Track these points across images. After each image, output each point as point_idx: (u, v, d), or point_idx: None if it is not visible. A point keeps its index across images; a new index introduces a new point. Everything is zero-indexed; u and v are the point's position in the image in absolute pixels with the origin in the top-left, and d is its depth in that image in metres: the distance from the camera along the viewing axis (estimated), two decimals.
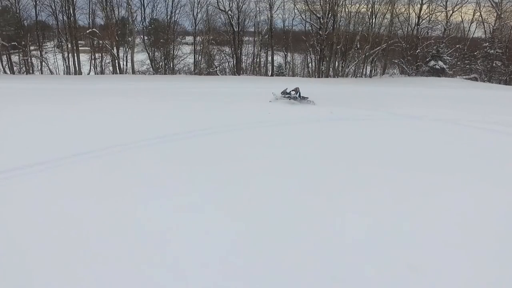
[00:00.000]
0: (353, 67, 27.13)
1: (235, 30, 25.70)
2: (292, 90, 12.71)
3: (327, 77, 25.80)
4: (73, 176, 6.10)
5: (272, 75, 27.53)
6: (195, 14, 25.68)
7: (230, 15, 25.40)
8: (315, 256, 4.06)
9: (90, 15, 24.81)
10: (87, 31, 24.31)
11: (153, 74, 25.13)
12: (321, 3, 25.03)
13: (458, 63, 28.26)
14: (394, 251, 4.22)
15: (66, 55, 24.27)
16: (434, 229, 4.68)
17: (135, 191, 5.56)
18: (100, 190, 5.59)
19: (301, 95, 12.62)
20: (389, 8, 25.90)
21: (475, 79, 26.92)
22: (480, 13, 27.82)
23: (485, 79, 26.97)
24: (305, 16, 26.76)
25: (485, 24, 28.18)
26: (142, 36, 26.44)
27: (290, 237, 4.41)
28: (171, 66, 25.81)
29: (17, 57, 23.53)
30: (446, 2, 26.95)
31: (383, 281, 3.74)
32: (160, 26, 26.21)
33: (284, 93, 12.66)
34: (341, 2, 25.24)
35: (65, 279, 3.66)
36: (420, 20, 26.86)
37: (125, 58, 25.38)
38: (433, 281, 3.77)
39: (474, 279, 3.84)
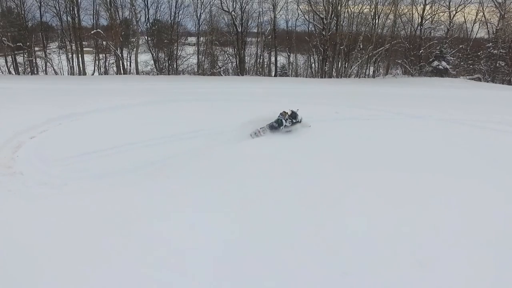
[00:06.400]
0: (356, 68, 27.13)
1: (239, 30, 25.76)
2: (287, 115, 8.82)
3: (330, 78, 25.83)
4: (78, 174, 6.18)
5: (275, 75, 27.57)
6: (198, 15, 25.78)
7: (234, 16, 25.46)
8: (324, 254, 4.11)
9: (94, 16, 24.95)
10: (91, 32, 24.42)
11: (157, 74, 25.22)
12: (324, 4, 25.06)
13: (462, 63, 28.20)
14: (401, 248, 4.27)
15: (70, 55, 24.41)
16: (438, 227, 4.73)
17: (138, 189, 5.62)
18: (104, 188, 5.66)
19: (293, 117, 8.88)
20: (392, 8, 25.89)
21: (479, 79, 26.86)
22: (483, 13, 27.78)
23: (489, 79, 26.91)
24: (308, 17, 26.81)
25: (488, 24, 28.14)
26: (145, 37, 26.54)
27: (297, 235, 4.46)
28: (175, 66, 25.90)
29: (22, 57, 23.66)
30: (449, 3, 26.94)
31: (394, 276, 3.79)
32: (163, 27, 26.30)
33: (272, 127, 8.66)
34: (344, 3, 25.27)
35: (69, 278, 3.70)
36: (423, 20, 26.84)
37: (128, 58, 25.49)
38: (441, 276, 3.82)
39: (478, 274, 3.89)
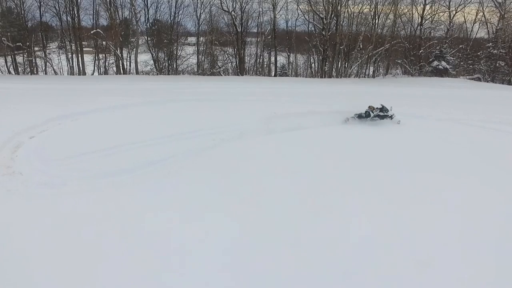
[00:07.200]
0: (356, 68, 27.13)
1: (238, 30, 25.75)
2: (375, 109, 10.25)
3: (330, 78, 25.82)
4: (77, 174, 6.17)
5: (275, 75, 27.57)
6: (198, 15, 25.77)
7: (234, 16, 25.44)
8: (325, 253, 4.10)
9: (94, 16, 24.93)
10: (91, 32, 24.40)
11: (157, 74, 25.22)
12: (324, 4, 25.06)
13: (461, 63, 28.19)
14: (400, 248, 4.26)
15: (70, 55, 24.40)
16: (438, 227, 4.72)
17: (138, 189, 5.61)
18: (103, 188, 5.64)
19: (381, 111, 10.26)
20: (392, 8, 25.89)
21: (479, 79, 26.85)
22: (483, 13, 27.79)
23: (489, 79, 26.90)
24: (308, 17, 26.81)
25: (488, 24, 28.13)
26: (145, 37, 26.55)
27: (297, 235, 4.45)
28: (175, 66, 25.89)
29: (21, 57, 23.64)
30: (449, 3, 26.94)
31: (393, 275, 3.78)
32: (163, 27, 26.28)
33: (360, 116, 10.18)
34: (344, 3, 25.26)
35: (68, 278, 3.68)
36: (423, 20, 26.84)
37: (128, 58, 25.48)
38: (441, 276, 3.81)
39: (478, 274, 3.88)
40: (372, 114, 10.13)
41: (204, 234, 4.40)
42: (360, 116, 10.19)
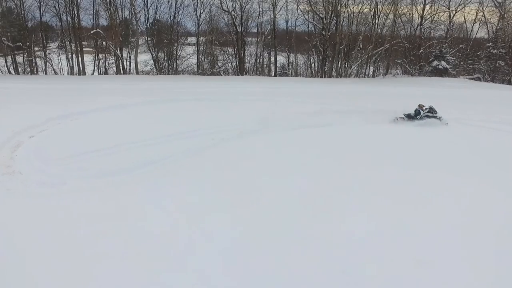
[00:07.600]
0: (356, 68, 27.13)
1: (238, 30, 25.76)
2: (424, 108, 10.33)
3: (330, 77, 25.82)
4: (77, 173, 6.17)
5: (275, 75, 27.57)
6: (198, 15, 25.78)
7: (233, 16, 25.45)
8: (326, 252, 4.10)
9: (94, 16, 24.94)
10: (91, 32, 24.41)
11: (157, 74, 25.22)
12: (324, 4, 25.05)
13: (461, 63, 28.18)
14: (400, 247, 4.26)
15: (70, 55, 24.40)
16: (437, 226, 4.72)
17: (137, 188, 5.61)
18: (103, 188, 5.64)
19: (430, 111, 10.28)
20: (392, 8, 25.89)
21: (478, 79, 26.84)
22: (483, 13, 27.80)
23: (488, 79, 26.90)
24: (308, 17, 26.81)
25: (488, 24, 28.14)
26: (145, 37, 26.57)
27: (296, 235, 4.45)
28: (174, 66, 25.90)
29: (21, 57, 23.63)
30: (449, 2, 26.94)
31: (392, 275, 3.78)
32: (163, 27, 26.28)
33: (409, 116, 10.29)
34: (344, 3, 25.26)
35: (67, 277, 3.68)
36: (423, 20, 26.84)
37: (128, 58, 25.48)
38: (440, 274, 3.81)
39: (478, 274, 3.88)
40: (422, 113, 10.10)
41: (204, 233, 4.40)
42: (409, 116, 10.21)
